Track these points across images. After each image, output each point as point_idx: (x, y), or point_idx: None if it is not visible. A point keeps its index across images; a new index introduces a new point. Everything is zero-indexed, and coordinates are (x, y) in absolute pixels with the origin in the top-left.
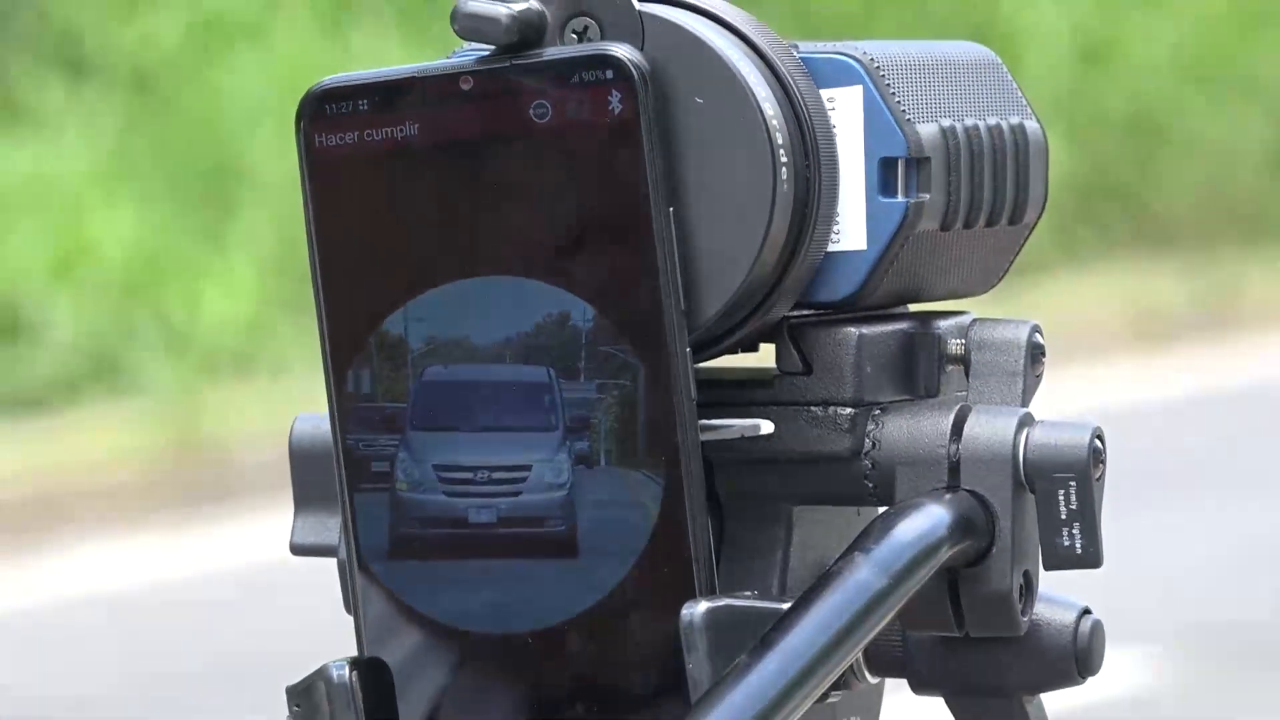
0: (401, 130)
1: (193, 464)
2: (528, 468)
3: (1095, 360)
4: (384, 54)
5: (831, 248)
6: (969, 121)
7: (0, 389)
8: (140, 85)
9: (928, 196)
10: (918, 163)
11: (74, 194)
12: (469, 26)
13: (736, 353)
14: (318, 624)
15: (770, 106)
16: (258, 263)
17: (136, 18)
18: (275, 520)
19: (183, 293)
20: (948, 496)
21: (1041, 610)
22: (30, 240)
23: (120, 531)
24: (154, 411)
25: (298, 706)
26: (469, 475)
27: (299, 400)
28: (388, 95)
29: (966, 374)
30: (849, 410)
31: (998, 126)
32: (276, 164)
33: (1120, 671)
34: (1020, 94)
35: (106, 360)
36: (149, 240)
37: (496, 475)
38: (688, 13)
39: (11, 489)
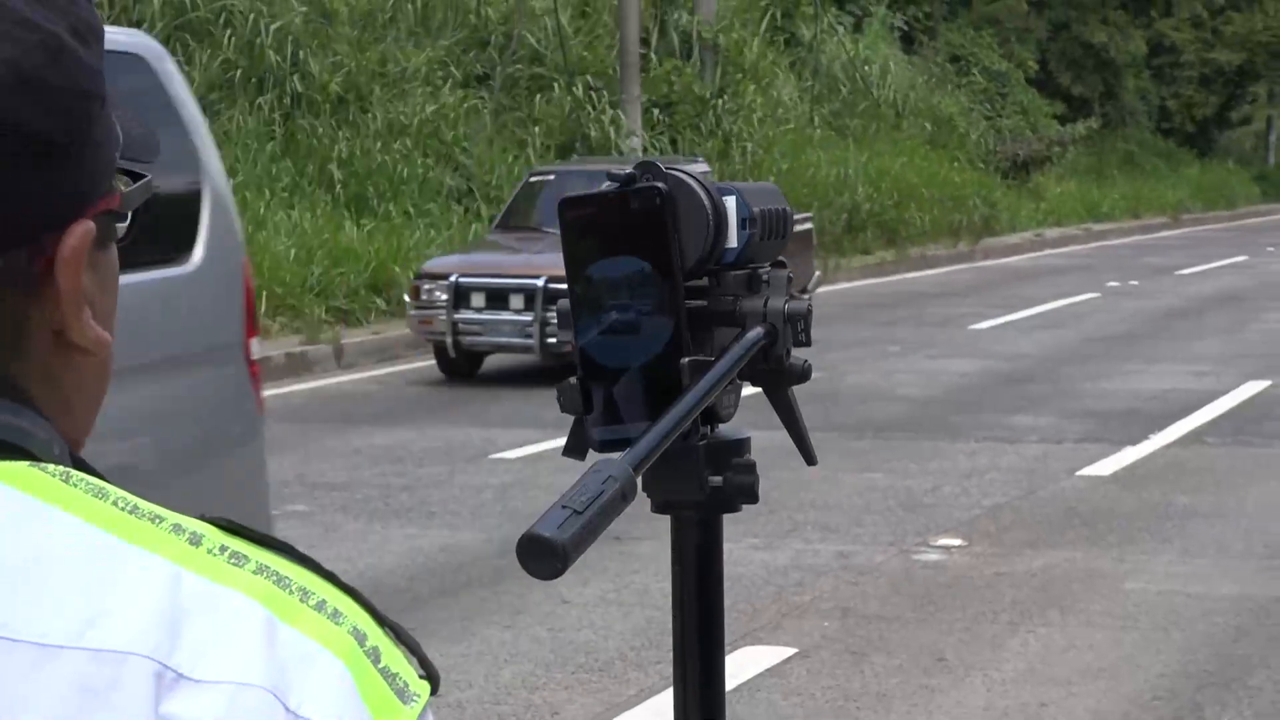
0: (592, 210)
1: None
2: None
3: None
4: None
5: (726, 246)
6: (769, 207)
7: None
8: (482, 192)
9: (756, 229)
10: (753, 219)
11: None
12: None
13: (694, 280)
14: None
15: (706, 201)
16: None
17: (503, 160)
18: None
19: None
20: (762, 325)
21: (791, 360)
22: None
23: None
24: None
25: (559, 392)
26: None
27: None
28: (588, 199)
29: (768, 286)
30: (731, 298)
31: (775, 209)
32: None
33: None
34: (783, 198)
35: None
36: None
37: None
38: (680, 172)
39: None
